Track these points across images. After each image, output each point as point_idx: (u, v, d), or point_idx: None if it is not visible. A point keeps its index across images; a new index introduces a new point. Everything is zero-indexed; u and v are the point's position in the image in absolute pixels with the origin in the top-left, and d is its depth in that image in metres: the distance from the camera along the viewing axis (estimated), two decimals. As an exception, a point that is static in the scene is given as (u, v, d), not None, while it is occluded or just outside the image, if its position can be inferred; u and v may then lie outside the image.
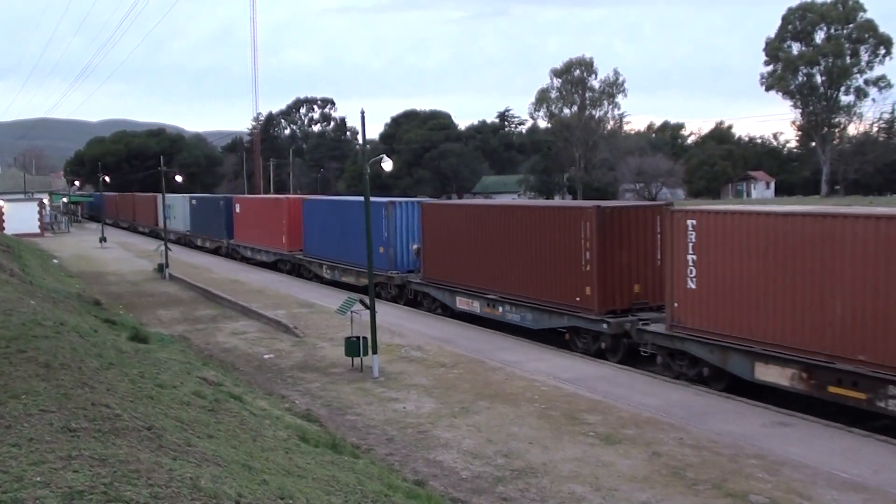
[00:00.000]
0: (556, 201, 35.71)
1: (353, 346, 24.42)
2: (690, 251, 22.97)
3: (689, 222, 23.09)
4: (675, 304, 23.52)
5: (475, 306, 32.56)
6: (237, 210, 60.65)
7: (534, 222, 29.38)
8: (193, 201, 73.06)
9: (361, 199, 28.43)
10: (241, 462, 10.34)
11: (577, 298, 26.79)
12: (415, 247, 37.56)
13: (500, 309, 31.00)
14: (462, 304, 33.43)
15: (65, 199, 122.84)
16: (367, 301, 24.69)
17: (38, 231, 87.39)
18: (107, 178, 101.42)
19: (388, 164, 25.04)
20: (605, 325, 25.90)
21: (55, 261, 58.54)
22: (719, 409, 20.12)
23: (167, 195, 75.32)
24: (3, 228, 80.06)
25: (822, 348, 19.46)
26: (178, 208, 76.41)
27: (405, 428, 18.88)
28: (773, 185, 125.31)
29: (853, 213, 19.78)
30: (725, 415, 19.53)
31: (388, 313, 32.93)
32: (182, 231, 74.90)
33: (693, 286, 22.97)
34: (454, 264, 33.62)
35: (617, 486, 15.01)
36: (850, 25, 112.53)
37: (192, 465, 9.01)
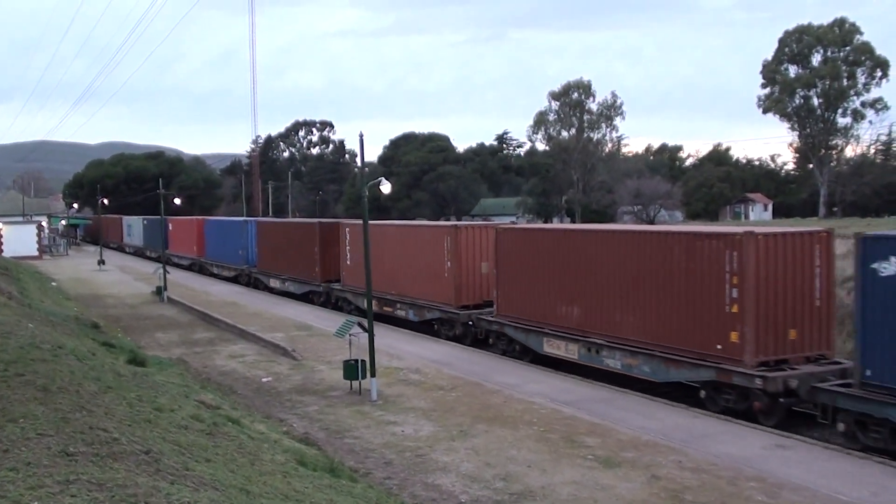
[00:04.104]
0: (322, 220, 54.47)
1: (352, 370, 24.38)
2: (347, 245, 43.17)
3: (346, 230, 43.37)
4: (343, 273, 43.68)
5: (276, 284, 52.12)
6: (170, 228, 77.84)
7: (312, 234, 47.17)
8: (145, 222, 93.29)
9: (235, 219, 61.81)
10: (239, 486, 10.32)
11: (313, 274, 46.52)
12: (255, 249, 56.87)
13: (286, 284, 50.59)
14: (273, 283, 53.02)
15: (63, 222, 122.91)
16: (366, 324, 24.69)
17: (36, 253, 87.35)
18: (105, 201, 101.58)
19: (386, 187, 25.09)
20: (321, 287, 45.69)
21: (53, 283, 58.50)
22: (718, 431, 20.10)
23: (127, 217, 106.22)
24: (2, 251, 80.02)
25: (379, 288, 36.93)
26: (135, 227, 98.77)
27: (403, 451, 18.83)
28: (770, 206, 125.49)
29: (391, 224, 44.19)
30: (724, 437, 19.51)
31: (385, 336, 32.94)
32: (138, 245, 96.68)
33: (349, 263, 42.72)
34: (273, 260, 53.32)
35: (616, 510, 14.97)
36: (847, 48, 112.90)
37: (190, 490, 8.99)
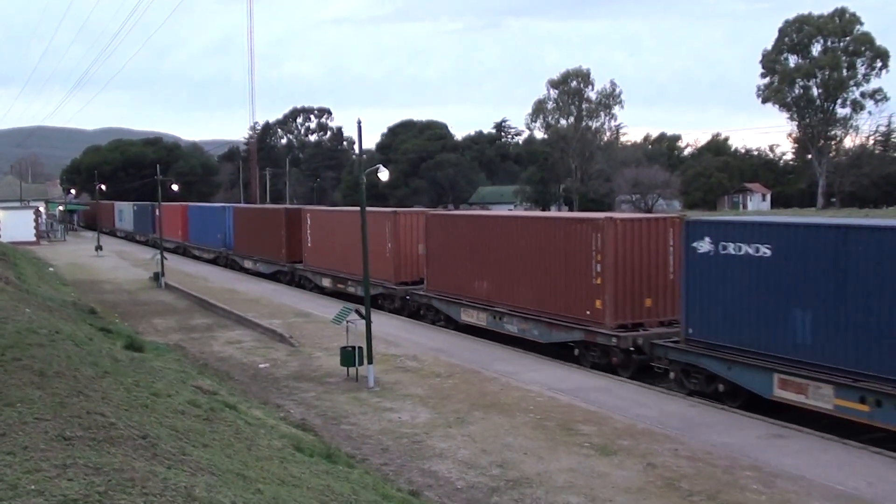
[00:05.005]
0: (288, 206, 63.28)
1: (349, 356, 24.40)
2: (309, 230, 47.18)
3: (308, 216, 47.85)
4: (305, 254, 47.94)
5: (250, 265, 57.10)
6: (157, 213, 78.82)
7: (279, 219, 51.42)
8: (135, 207, 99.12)
9: (215, 205, 71.89)
10: (235, 471, 10.33)
11: (280, 255, 51.60)
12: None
13: (257, 265, 55.62)
14: (247, 264, 57.68)
15: (60, 208, 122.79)
16: (363, 311, 24.69)
17: (34, 239, 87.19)
18: (102, 187, 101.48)
19: (384, 174, 25.04)
20: (285, 268, 50.66)
21: (51, 269, 58.47)
22: (715, 420, 20.14)
23: (118, 203, 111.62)
24: (0, 236, 79.94)
25: (334, 267, 43.76)
26: (126, 213, 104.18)
27: (400, 438, 18.86)
28: (769, 196, 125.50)
29: (342, 210, 49.08)
30: (721, 426, 19.54)
31: (384, 323, 32.97)
32: (128, 230, 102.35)
33: (310, 245, 47.17)
34: (247, 243, 58.02)
35: (612, 497, 15.01)
36: (847, 38, 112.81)
37: (187, 475, 9.00)
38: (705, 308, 22.25)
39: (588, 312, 26.19)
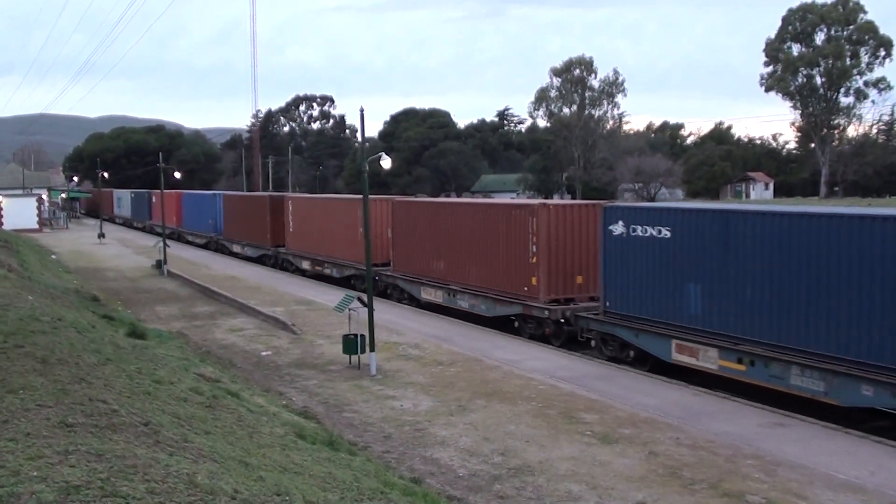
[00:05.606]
0: (272, 193, 65.94)
1: (351, 344, 24.41)
2: (290, 216, 50.00)
3: (289, 202, 51.00)
4: (287, 239, 50.64)
5: (238, 249, 60.25)
6: (153, 200, 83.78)
7: (263, 205, 54.48)
8: (132, 195, 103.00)
9: (206, 192, 74.07)
10: (237, 458, 10.34)
11: (265, 240, 54.17)
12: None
13: (245, 249, 58.25)
14: (235, 248, 60.91)
15: (63, 195, 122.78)
16: (365, 299, 24.67)
17: (36, 226, 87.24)
18: (105, 175, 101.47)
19: (386, 162, 25.00)
20: (270, 251, 53.34)
21: (53, 256, 58.51)
22: (716, 409, 20.14)
23: (118, 191, 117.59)
24: (2, 224, 80.00)
25: (313, 251, 47.12)
26: (125, 200, 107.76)
27: (402, 425, 18.87)
28: (771, 185, 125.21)
29: (318, 197, 55.49)
30: (722, 415, 19.54)
31: (386, 311, 33.00)
32: (126, 216, 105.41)
33: (291, 230, 50.03)
34: (235, 228, 60.85)
35: (613, 486, 15.02)
36: (851, 27, 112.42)
37: (189, 461, 9.01)
38: (619, 283, 25.06)
39: (525, 288, 28.98)
